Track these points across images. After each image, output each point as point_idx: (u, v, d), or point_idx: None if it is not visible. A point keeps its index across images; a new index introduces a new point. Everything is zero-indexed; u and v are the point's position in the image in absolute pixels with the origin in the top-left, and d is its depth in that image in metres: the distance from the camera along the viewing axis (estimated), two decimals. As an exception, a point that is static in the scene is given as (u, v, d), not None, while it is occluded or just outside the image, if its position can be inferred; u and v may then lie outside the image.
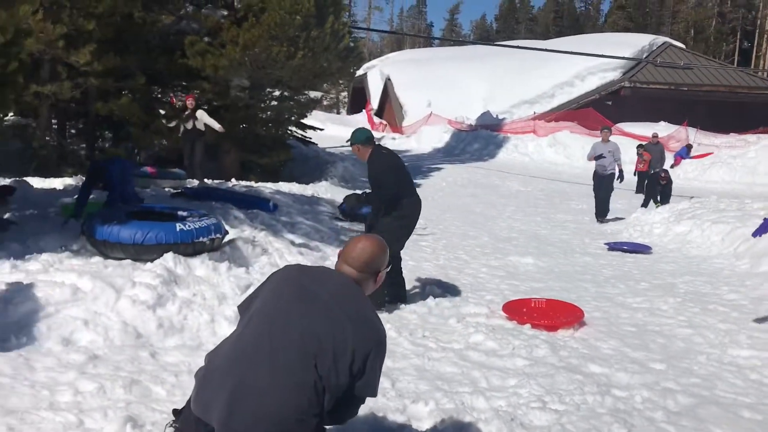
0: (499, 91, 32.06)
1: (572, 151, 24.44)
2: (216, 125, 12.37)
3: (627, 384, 4.34)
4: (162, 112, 14.44)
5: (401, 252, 6.22)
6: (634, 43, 32.13)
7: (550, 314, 5.82)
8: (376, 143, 6.07)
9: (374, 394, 2.50)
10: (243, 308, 2.58)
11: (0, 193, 6.90)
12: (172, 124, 12.68)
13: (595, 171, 12.38)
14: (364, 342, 2.38)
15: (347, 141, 6.12)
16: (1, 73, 7.73)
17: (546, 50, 28.14)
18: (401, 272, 6.17)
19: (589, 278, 7.69)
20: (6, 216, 6.92)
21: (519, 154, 25.66)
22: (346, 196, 10.04)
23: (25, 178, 9.95)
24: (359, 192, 6.38)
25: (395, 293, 6.00)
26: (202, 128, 12.39)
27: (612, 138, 12.64)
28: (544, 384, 4.22)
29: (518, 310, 5.84)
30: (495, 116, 30.33)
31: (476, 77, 34.18)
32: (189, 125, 12.37)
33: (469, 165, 22.53)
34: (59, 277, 4.93)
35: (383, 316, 5.50)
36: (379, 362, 2.46)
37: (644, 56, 30.49)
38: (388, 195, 5.80)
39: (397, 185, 5.84)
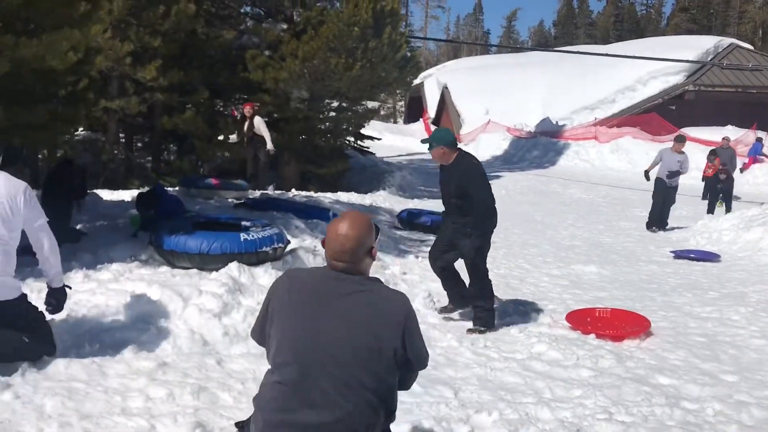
0: (559, 97, 31.62)
1: (635, 157, 23.89)
2: (268, 140, 12.21)
3: (697, 396, 4.21)
4: (223, 135, 14.70)
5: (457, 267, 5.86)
6: (698, 46, 31.21)
7: (615, 324, 5.69)
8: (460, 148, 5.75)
9: (425, 366, 2.54)
10: (258, 336, 2.53)
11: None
12: (234, 139, 12.80)
13: (659, 178, 11.80)
14: (393, 328, 2.35)
15: (422, 141, 5.82)
16: (73, 90, 8.08)
17: (606, 55, 27.64)
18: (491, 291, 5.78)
19: (654, 287, 7.50)
20: (78, 227, 7.20)
21: (580, 161, 25.24)
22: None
23: (95, 191, 10.32)
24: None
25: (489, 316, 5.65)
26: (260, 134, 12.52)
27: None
28: (610, 395, 4.13)
29: (582, 320, 5.73)
30: (555, 123, 29.91)
31: (535, 84, 33.82)
32: (250, 134, 12.42)
33: (528, 172, 22.28)
34: (129, 286, 5.09)
35: (451, 327, 5.49)
36: (415, 335, 2.43)
37: (709, 59, 29.57)
38: (484, 206, 5.45)
39: (482, 196, 5.49)
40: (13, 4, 5.25)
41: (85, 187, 8.02)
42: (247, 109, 12.52)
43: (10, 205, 3.67)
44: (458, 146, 5.66)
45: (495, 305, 5.72)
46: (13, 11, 5.41)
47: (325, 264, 2.51)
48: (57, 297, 4.09)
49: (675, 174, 11.64)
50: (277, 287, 2.50)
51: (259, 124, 12.35)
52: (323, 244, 2.49)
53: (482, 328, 5.45)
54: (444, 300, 5.99)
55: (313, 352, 2.29)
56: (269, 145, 12.16)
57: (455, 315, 5.86)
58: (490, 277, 5.70)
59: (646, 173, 12.37)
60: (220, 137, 14.44)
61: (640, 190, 17.62)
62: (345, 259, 2.41)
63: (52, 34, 5.58)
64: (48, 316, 4.09)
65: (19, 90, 6.75)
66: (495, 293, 6.29)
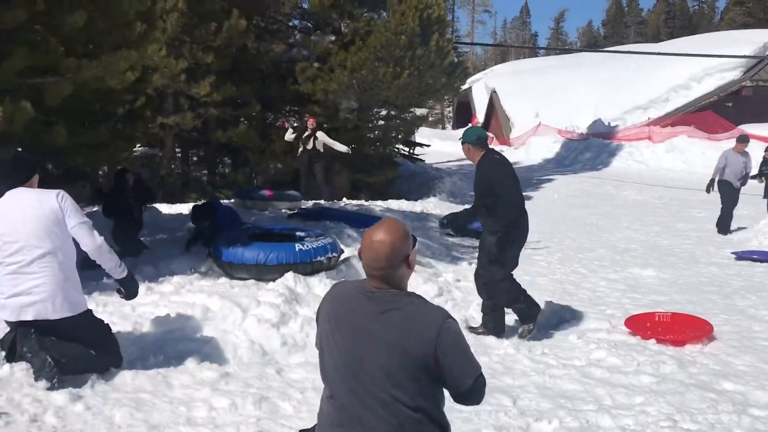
0: (610, 97, 31.07)
1: (691, 156, 23.28)
2: (341, 147, 12.56)
3: (766, 403, 4.08)
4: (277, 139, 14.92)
5: (513, 272, 5.66)
6: (754, 40, 30.25)
7: (676, 328, 5.57)
8: (491, 148, 5.61)
9: (469, 385, 2.33)
10: (318, 347, 2.54)
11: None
12: (291, 136, 12.89)
13: (726, 181, 11.26)
14: (423, 347, 2.26)
15: (459, 139, 5.71)
16: (131, 109, 8.34)
17: (658, 54, 27.08)
18: (514, 294, 5.57)
19: (715, 290, 7.30)
20: (141, 239, 7.43)
21: (634, 162, 24.72)
22: (452, 215, 8.99)
23: (154, 205, 10.60)
24: (464, 208, 5.89)
25: (528, 313, 5.51)
26: (322, 149, 12.65)
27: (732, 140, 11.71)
28: (674, 402, 4.05)
29: (642, 325, 5.62)
30: (606, 124, 29.39)
31: (585, 85, 33.32)
32: (309, 145, 12.56)
33: (581, 175, 21.95)
34: (190, 298, 5.23)
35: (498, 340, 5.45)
36: (451, 353, 2.29)
37: (767, 53, 28.66)
38: (490, 204, 5.34)
39: (506, 197, 5.34)
40: (74, 28, 5.45)
41: (152, 193, 8.30)
42: (311, 123, 12.68)
43: (49, 217, 3.75)
44: (485, 145, 5.50)
45: (521, 308, 5.55)
46: (74, 35, 5.62)
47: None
48: (124, 286, 4.20)
49: (746, 177, 11.22)
50: (322, 307, 2.50)
51: (323, 137, 12.55)
52: (360, 254, 2.44)
53: (480, 330, 5.49)
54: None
55: (352, 374, 2.31)
56: (344, 149, 12.53)
57: (514, 322, 5.81)
58: (545, 282, 5.62)
59: (711, 183, 11.50)
60: (274, 147, 14.64)
61: (697, 190, 17.17)
62: (381, 266, 2.35)
63: (110, 55, 5.77)
64: (114, 329, 4.23)
65: (81, 110, 7.01)
66: (548, 300, 6.27)
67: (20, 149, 4.23)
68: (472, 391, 2.35)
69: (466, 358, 2.33)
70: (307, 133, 12.62)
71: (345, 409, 2.33)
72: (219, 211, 7.21)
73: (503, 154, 5.81)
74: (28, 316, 3.73)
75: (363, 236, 2.43)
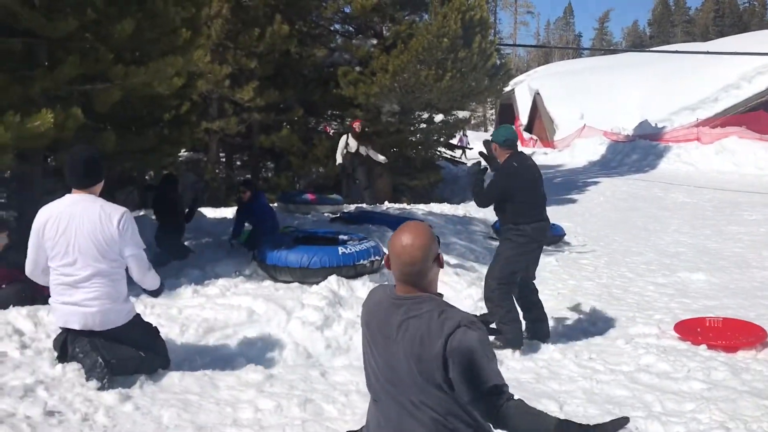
0: (657, 98, 30.48)
1: (741, 158, 22.65)
2: (380, 157, 12.69)
3: (824, 411, 3.93)
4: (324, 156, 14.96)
5: (534, 281, 5.46)
6: (809, 36, 29.42)
7: (727, 334, 5.41)
8: (519, 151, 5.39)
9: (482, 395, 2.21)
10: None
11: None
12: (340, 159, 12.84)
13: None
14: (434, 357, 2.24)
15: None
16: (177, 114, 8.50)
17: (707, 52, 26.46)
18: (540, 307, 5.42)
19: (769, 295, 7.08)
20: (185, 243, 7.56)
21: (682, 164, 24.17)
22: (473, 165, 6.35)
23: (199, 209, 10.76)
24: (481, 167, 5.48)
25: (505, 335, 5.13)
26: (365, 153, 12.70)
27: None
28: (726, 409, 3.92)
29: (692, 330, 5.48)
30: (654, 125, 28.82)
31: (631, 86, 32.75)
32: (353, 149, 12.57)
33: (627, 177, 21.54)
34: (235, 301, 5.29)
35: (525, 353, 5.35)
36: (466, 362, 2.21)
37: (822, 49, 27.78)
38: (487, 204, 5.26)
39: (523, 204, 5.14)
40: (122, 36, 5.57)
41: (197, 202, 8.50)
42: (357, 125, 12.74)
43: (106, 239, 3.76)
44: (514, 147, 5.28)
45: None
46: (123, 43, 5.75)
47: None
48: (153, 294, 4.31)
49: None
50: (362, 315, 2.57)
51: (365, 141, 12.64)
52: (387, 264, 2.41)
53: (498, 343, 5.02)
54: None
55: (388, 381, 2.37)
56: (382, 159, 12.69)
57: (559, 326, 5.73)
58: (591, 287, 5.49)
59: None
60: (324, 144, 14.71)
61: (748, 192, 16.74)
62: (416, 270, 2.32)
63: (158, 61, 5.89)
64: (161, 331, 4.30)
65: (129, 116, 7.18)
66: (595, 304, 6.15)
67: (98, 150, 4.21)
68: (480, 402, 2.23)
69: (476, 368, 2.21)
70: (355, 133, 12.62)
71: (386, 414, 2.38)
72: (252, 206, 7.39)
73: (532, 158, 5.62)
74: (76, 326, 3.81)
75: (390, 243, 2.39)
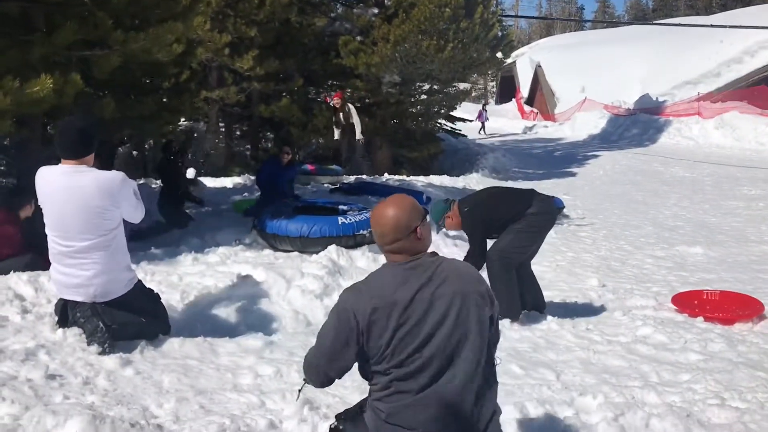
0: (659, 72, 30.29)
1: (742, 133, 22.60)
2: (357, 128, 11.58)
3: (819, 383, 3.96)
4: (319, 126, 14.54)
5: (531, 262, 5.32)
6: (813, 11, 29.13)
7: (724, 307, 5.43)
8: (457, 200, 5.24)
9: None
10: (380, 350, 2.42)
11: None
12: (338, 135, 12.38)
13: None
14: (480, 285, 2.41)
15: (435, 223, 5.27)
16: (176, 82, 8.45)
17: (710, 26, 26.18)
18: (533, 279, 5.34)
19: (766, 269, 7.10)
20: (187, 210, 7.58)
21: (682, 138, 24.13)
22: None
23: (199, 178, 10.76)
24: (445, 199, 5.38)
25: (534, 302, 5.23)
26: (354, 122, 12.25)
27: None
28: (722, 380, 3.95)
29: (689, 303, 5.50)
30: (654, 99, 28.69)
31: (633, 59, 32.52)
32: (343, 121, 11.87)
33: (627, 151, 21.52)
34: (236, 269, 5.30)
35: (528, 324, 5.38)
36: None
37: (826, 24, 27.52)
38: (484, 251, 5.02)
39: (506, 210, 5.02)
40: (121, 1, 5.52)
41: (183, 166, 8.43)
42: (337, 100, 11.81)
43: (98, 209, 3.69)
44: (453, 203, 5.16)
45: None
46: (122, 8, 5.70)
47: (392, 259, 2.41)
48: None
49: None
50: (368, 315, 2.30)
51: (351, 111, 11.75)
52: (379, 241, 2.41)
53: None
54: (542, 282, 5.85)
55: (446, 346, 2.33)
56: (358, 134, 11.59)
57: (557, 298, 5.76)
58: (590, 259, 5.47)
59: None
60: (323, 115, 14.60)
61: (748, 167, 16.73)
62: (388, 240, 2.35)
63: (157, 27, 5.84)
64: (162, 298, 4.32)
65: (128, 83, 7.13)
66: (593, 276, 6.15)
67: (92, 120, 4.14)
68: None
69: None
70: (336, 106, 11.72)
71: (450, 389, 2.30)
72: (258, 176, 7.39)
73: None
74: (78, 298, 3.82)
75: (377, 219, 2.40)
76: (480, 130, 29.65)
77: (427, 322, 2.29)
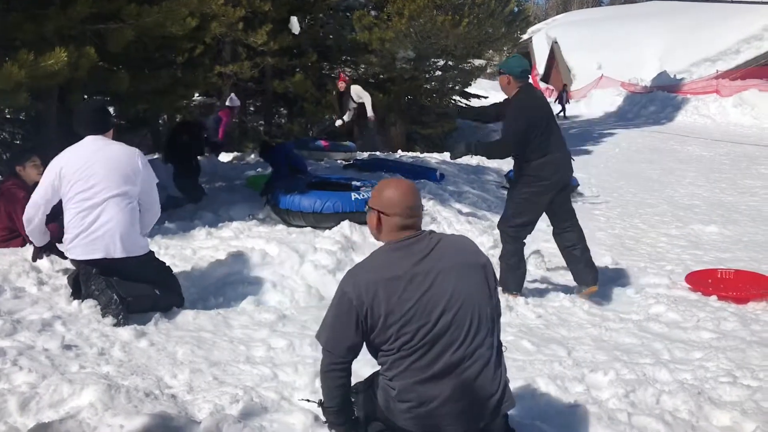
0: (677, 49, 29.89)
1: (761, 111, 22.30)
2: (368, 105, 11.43)
3: (833, 362, 3.94)
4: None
5: (527, 235, 5.10)
6: (837, -13, 28.52)
7: (739, 285, 5.40)
8: (528, 83, 4.97)
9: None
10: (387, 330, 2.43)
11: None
12: (340, 122, 12.25)
13: None
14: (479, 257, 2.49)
15: (497, 68, 5.02)
16: (190, 57, 8.42)
17: (730, 1, 25.76)
18: (521, 257, 5.11)
19: (783, 248, 7.05)
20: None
21: (700, 116, 23.84)
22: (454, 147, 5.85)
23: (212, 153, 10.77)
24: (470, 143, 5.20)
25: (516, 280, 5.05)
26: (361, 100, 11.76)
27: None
28: (734, 358, 3.94)
29: (703, 281, 5.48)
30: (672, 76, 28.33)
31: (651, 36, 32.10)
32: (350, 105, 11.75)
33: (644, 129, 21.30)
34: (249, 243, 5.33)
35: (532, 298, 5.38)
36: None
37: None
38: (518, 144, 4.78)
39: (540, 137, 4.77)
40: (135, -27, 5.50)
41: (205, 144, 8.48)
42: (341, 84, 11.77)
43: (130, 167, 4.02)
44: (526, 79, 4.89)
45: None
46: (136, -19, 5.67)
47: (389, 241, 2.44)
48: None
49: None
50: (371, 298, 2.32)
51: (357, 91, 11.63)
52: (378, 221, 2.47)
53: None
54: (555, 260, 5.87)
55: (457, 317, 2.37)
56: (369, 113, 11.49)
57: (569, 275, 5.74)
58: (603, 237, 5.44)
59: None
60: (329, 98, 14.58)
61: (766, 146, 16.52)
62: (418, 213, 2.47)
63: (171, 1, 5.82)
64: (175, 270, 4.35)
65: (142, 58, 7.11)
66: (606, 254, 6.11)
67: (102, 102, 4.46)
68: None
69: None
70: (342, 90, 11.62)
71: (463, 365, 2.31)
72: (273, 156, 7.34)
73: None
74: (97, 254, 3.87)
75: (382, 194, 2.48)
76: (559, 112, 27.32)
77: (430, 297, 2.29)
